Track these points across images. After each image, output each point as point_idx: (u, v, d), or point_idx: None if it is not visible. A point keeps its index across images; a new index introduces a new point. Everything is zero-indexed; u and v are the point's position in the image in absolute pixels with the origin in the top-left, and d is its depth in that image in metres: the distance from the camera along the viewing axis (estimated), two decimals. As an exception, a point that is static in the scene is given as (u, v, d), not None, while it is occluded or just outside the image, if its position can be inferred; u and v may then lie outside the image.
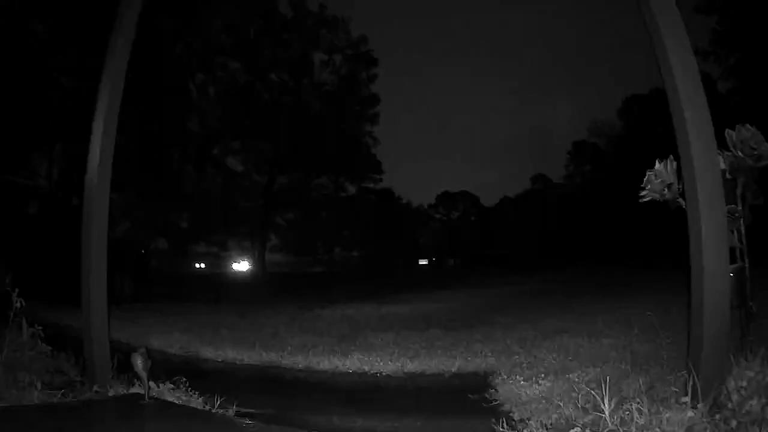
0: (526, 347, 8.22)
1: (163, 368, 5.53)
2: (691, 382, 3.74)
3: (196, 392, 5.26)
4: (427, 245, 62.41)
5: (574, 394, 4.78)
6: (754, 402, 3.60)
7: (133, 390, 4.86)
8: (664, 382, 4.54)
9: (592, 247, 40.80)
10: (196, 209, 36.31)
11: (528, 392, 5.61)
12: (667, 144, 4.53)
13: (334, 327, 12.36)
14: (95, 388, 4.92)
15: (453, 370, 7.51)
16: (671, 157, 4.75)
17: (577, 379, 5.60)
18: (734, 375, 3.91)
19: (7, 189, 21.48)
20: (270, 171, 42.09)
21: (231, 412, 4.91)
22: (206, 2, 33.20)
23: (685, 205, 4.11)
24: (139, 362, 4.25)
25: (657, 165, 4.94)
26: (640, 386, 4.44)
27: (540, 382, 5.83)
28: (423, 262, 60.62)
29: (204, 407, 4.94)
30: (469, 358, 7.88)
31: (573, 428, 3.86)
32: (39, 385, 4.92)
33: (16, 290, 5.47)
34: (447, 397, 6.37)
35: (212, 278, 39.40)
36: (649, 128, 33.48)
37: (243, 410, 5.10)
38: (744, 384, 3.81)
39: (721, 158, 4.45)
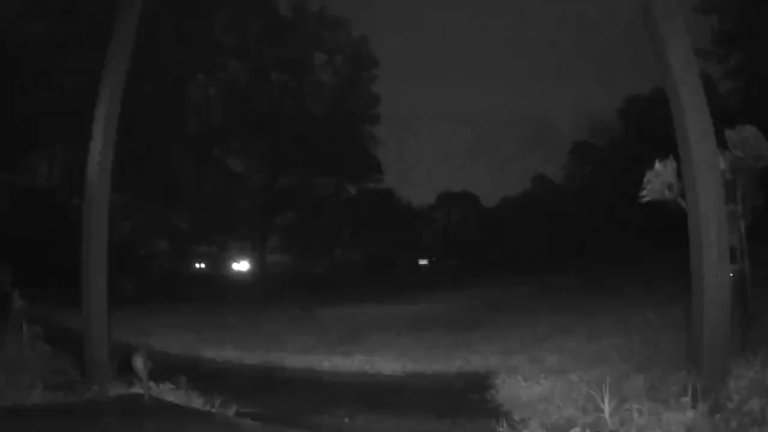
0: (526, 347, 8.22)
1: (164, 368, 5.53)
2: (691, 383, 3.74)
3: (196, 392, 5.26)
4: (428, 245, 62.31)
5: (574, 395, 4.78)
6: (754, 402, 3.60)
7: (133, 390, 4.85)
8: (664, 382, 4.54)
9: (592, 247, 40.74)
10: (197, 210, 36.29)
11: (528, 392, 5.61)
12: (667, 144, 4.53)
13: (335, 327, 12.36)
14: (95, 388, 4.92)
15: (454, 370, 7.51)
16: (671, 157, 4.75)
17: (577, 380, 5.59)
18: (734, 375, 3.90)
19: (7, 189, 21.52)
20: (270, 171, 42.07)
21: (231, 412, 4.91)
22: (207, 2, 33.21)
23: (685, 205, 4.12)
24: (139, 363, 4.24)
25: (657, 165, 4.94)
26: (640, 386, 4.44)
27: (540, 382, 5.82)
28: (423, 262, 60.49)
29: (204, 407, 4.94)
30: (470, 359, 7.88)
31: (573, 428, 3.86)
32: (40, 385, 4.92)
33: (17, 290, 5.47)
34: (448, 397, 6.38)
35: (212, 278, 39.36)
36: (649, 128, 33.45)
37: (243, 410, 5.10)
38: (744, 384, 3.81)
39: (721, 158, 4.45)
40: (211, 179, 39.56)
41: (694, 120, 3.99)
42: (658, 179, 4.88)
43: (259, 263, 43.11)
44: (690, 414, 3.57)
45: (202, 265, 48.15)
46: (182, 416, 4.24)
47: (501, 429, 4.33)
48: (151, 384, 4.64)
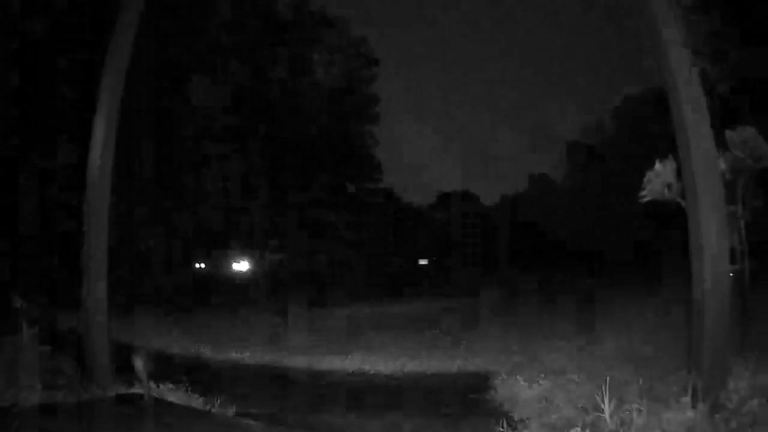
0: (525, 348, 8.22)
1: (163, 368, 5.53)
2: (691, 383, 3.74)
3: (196, 392, 5.25)
4: (427, 245, 62.29)
5: (574, 395, 4.78)
6: (753, 402, 3.61)
7: (133, 390, 4.86)
8: (664, 382, 4.54)
9: (592, 247, 40.78)
10: (197, 210, 36.24)
11: (528, 392, 5.60)
12: (663, 144, 4.54)
13: (334, 327, 12.36)
14: (95, 388, 4.92)
15: (453, 370, 7.50)
16: (671, 157, 4.76)
17: (577, 380, 5.60)
18: (734, 375, 3.91)
19: (7, 189, 21.47)
20: (270, 171, 42.02)
21: (231, 412, 4.91)
22: (207, 2, 33.16)
23: (685, 206, 4.11)
24: (139, 363, 4.25)
25: (657, 165, 4.95)
26: (640, 387, 4.44)
27: (540, 382, 5.82)
28: (423, 262, 60.49)
29: (204, 407, 4.94)
30: (469, 358, 7.88)
31: (573, 428, 3.86)
32: (39, 385, 4.91)
33: (17, 291, 5.47)
34: (447, 397, 6.37)
35: (212, 279, 39.36)
36: (646, 128, 33.47)
37: (243, 410, 5.10)
38: (744, 384, 3.82)
39: (721, 158, 4.46)
40: (211, 179, 39.53)
41: (693, 120, 3.99)
42: (658, 179, 4.90)
43: (258, 263, 43.09)
44: (690, 414, 3.57)
45: (202, 265, 48.28)
46: (182, 416, 4.24)
47: (501, 429, 4.33)
48: (151, 384, 4.64)
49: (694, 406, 3.66)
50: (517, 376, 6.24)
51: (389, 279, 36.58)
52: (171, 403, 4.75)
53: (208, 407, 4.94)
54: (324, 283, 33.35)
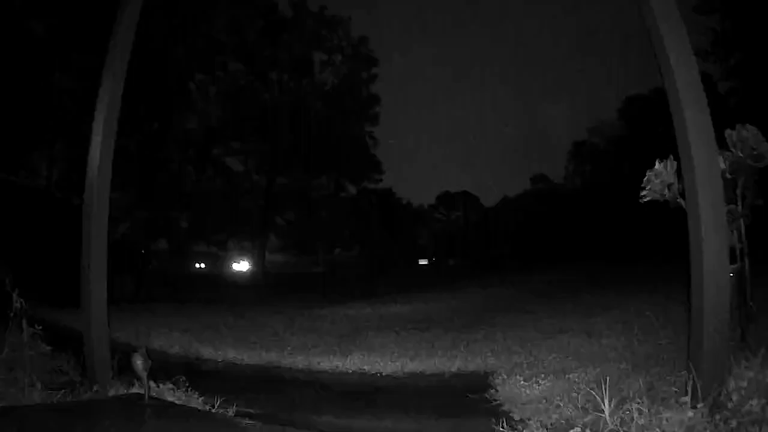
0: (526, 347, 8.23)
1: (163, 368, 5.52)
2: (691, 382, 3.74)
3: (196, 392, 5.26)
4: (427, 245, 62.32)
5: (574, 395, 4.79)
6: (754, 402, 3.60)
7: (133, 390, 4.85)
8: (664, 382, 4.55)
9: (592, 247, 40.73)
10: (196, 209, 36.26)
11: (528, 392, 5.61)
12: (667, 144, 4.53)
13: (334, 327, 12.38)
14: (95, 388, 4.92)
15: (453, 370, 7.51)
16: (671, 157, 4.75)
17: (577, 379, 5.60)
18: (734, 375, 3.91)
19: (7, 189, 21.51)
20: (270, 171, 42.02)
21: (231, 412, 4.91)
22: (207, 2, 33.18)
23: (685, 205, 4.11)
24: (139, 362, 4.23)
25: (657, 165, 4.95)
26: (640, 386, 4.44)
27: (540, 382, 5.83)
28: (423, 262, 60.52)
29: (204, 407, 4.94)
30: (469, 358, 7.88)
31: (573, 428, 3.86)
32: (39, 385, 4.91)
33: (17, 290, 5.46)
34: (447, 397, 6.38)
35: (212, 278, 39.40)
36: (649, 128, 33.48)
37: (243, 410, 5.10)
38: (744, 384, 3.81)
39: (721, 158, 4.45)
40: (211, 179, 39.58)
41: (693, 120, 3.98)
42: (657, 179, 4.89)
43: (258, 263, 43.10)
44: (690, 414, 3.57)
45: (202, 265, 48.36)
46: (182, 416, 4.23)
47: (501, 429, 4.33)
48: (151, 384, 4.64)
49: (694, 406, 3.65)
50: (517, 376, 6.25)
51: (389, 279, 36.56)
52: (171, 403, 4.74)
53: (208, 407, 4.95)
54: (324, 283, 33.39)
